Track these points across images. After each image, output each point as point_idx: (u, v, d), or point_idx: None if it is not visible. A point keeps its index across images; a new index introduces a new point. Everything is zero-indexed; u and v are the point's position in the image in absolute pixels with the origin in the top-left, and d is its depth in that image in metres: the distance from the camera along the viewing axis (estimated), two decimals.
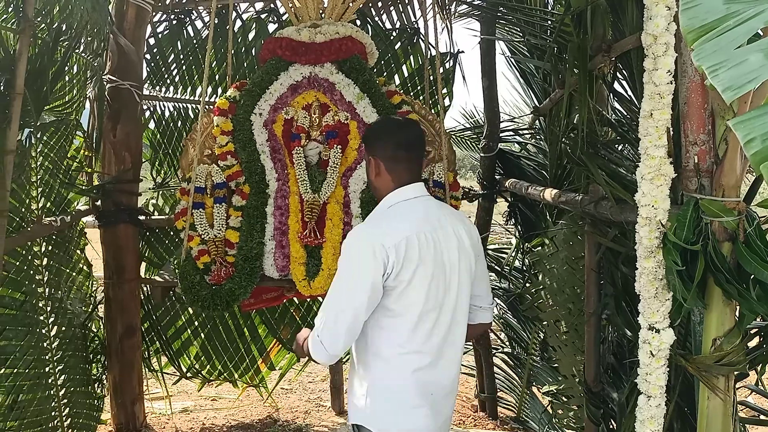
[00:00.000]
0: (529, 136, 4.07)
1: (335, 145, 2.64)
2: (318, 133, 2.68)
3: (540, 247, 3.67)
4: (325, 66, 2.68)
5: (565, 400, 3.40)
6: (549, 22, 3.21)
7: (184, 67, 4.02)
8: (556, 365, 3.59)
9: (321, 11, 2.83)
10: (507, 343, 4.30)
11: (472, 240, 1.91)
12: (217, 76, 3.95)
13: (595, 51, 2.41)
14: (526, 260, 3.93)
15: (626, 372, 2.67)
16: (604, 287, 2.72)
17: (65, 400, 3.30)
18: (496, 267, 4.25)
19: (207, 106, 2.93)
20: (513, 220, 3.99)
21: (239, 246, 2.64)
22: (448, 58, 3.97)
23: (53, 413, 3.18)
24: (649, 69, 1.61)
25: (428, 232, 1.79)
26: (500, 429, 4.13)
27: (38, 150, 3.11)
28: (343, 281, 1.77)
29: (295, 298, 3.96)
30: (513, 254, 4.14)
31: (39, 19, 2.63)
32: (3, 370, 2.78)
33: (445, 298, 1.82)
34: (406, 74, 3.98)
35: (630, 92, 2.42)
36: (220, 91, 3.98)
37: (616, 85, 2.53)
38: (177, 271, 2.56)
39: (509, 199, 3.96)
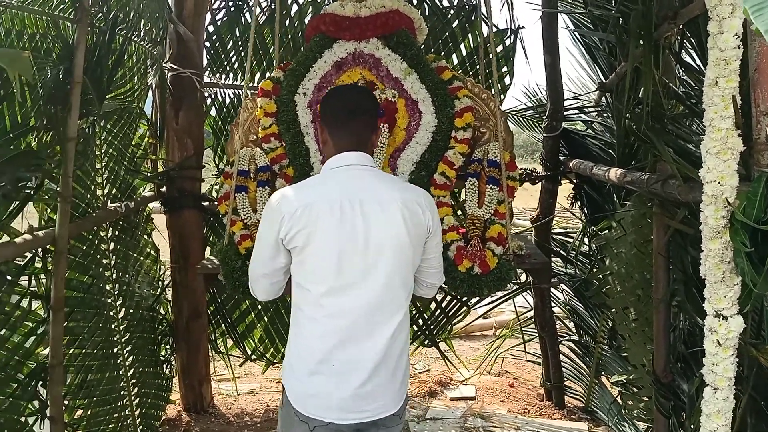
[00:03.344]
0: (596, 113, 3.87)
1: (382, 125, 2.56)
2: None
3: (607, 231, 3.49)
4: (370, 41, 2.58)
5: (635, 390, 3.25)
6: None
7: (242, 54, 4.05)
8: (625, 354, 3.43)
9: None
10: (574, 331, 4.15)
11: (412, 217, 1.78)
12: (274, 62, 3.95)
13: (660, 19, 2.24)
14: (593, 244, 3.75)
15: (698, 362, 2.50)
16: (673, 272, 2.56)
17: (134, 380, 3.41)
18: (561, 252, 4.10)
19: (252, 91, 2.91)
20: (579, 202, 3.82)
21: None
22: (508, 34, 3.83)
23: (122, 392, 3.30)
24: (714, 33, 1.47)
25: (341, 201, 1.74)
26: (567, 419, 3.99)
27: (102, 137, 3.21)
28: (257, 235, 1.87)
29: None
30: (579, 238, 3.97)
31: (95, 9, 2.68)
32: (72, 350, 2.89)
33: (363, 274, 1.75)
34: (464, 53, 3.87)
35: (699, 62, 2.24)
36: None
37: (684, 55, 2.35)
38: (219, 256, 2.54)
39: (574, 180, 3.79)
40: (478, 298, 4.22)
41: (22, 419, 2.45)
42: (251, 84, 4.07)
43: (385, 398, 1.80)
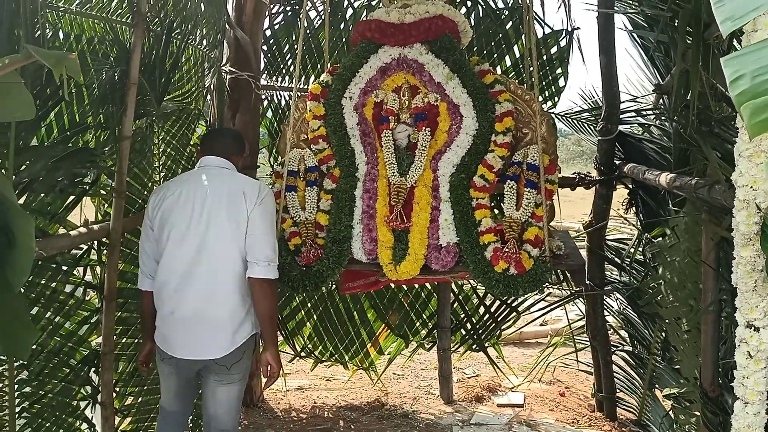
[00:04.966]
0: (653, 117, 3.74)
1: (424, 128, 2.59)
2: (407, 116, 2.65)
3: (661, 238, 3.37)
4: (414, 47, 2.63)
5: (687, 405, 3.12)
6: None
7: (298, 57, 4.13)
8: (677, 367, 3.29)
9: None
10: (627, 341, 4.01)
11: (236, 201, 2.32)
12: (328, 65, 4.02)
13: (710, 18, 2.16)
14: (647, 252, 3.62)
15: None
16: (722, 282, 2.45)
17: None
18: (615, 259, 3.98)
19: (302, 93, 3.01)
20: (633, 208, 3.70)
21: (328, 228, 2.68)
22: (563, 35, 3.76)
23: None
24: (748, 31, 1.40)
25: (185, 191, 2.36)
26: (617, 431, 3.87)
27: (160, 137, 3.35)
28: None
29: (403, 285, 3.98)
30: (634, 245, 3.84)
31: (152, 14, 2.81)
32: (125, 339, 3.03)
33: (199, 247, 2.30)
34: (518, 55, 3.82)
35: None
36: None
37: None
38: None
39: (630, 185, 3.67)
40: (529, 304, 4.17)
41: (74, 403, 2.59)
42: (304, 86, 4.15)
43: (217, 345, 2.31)
